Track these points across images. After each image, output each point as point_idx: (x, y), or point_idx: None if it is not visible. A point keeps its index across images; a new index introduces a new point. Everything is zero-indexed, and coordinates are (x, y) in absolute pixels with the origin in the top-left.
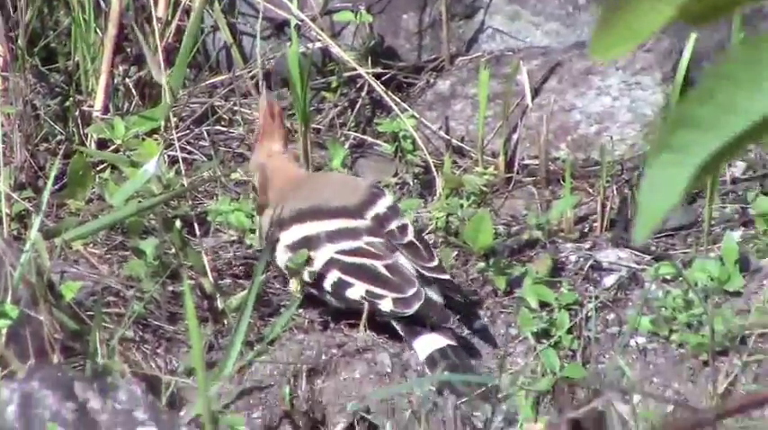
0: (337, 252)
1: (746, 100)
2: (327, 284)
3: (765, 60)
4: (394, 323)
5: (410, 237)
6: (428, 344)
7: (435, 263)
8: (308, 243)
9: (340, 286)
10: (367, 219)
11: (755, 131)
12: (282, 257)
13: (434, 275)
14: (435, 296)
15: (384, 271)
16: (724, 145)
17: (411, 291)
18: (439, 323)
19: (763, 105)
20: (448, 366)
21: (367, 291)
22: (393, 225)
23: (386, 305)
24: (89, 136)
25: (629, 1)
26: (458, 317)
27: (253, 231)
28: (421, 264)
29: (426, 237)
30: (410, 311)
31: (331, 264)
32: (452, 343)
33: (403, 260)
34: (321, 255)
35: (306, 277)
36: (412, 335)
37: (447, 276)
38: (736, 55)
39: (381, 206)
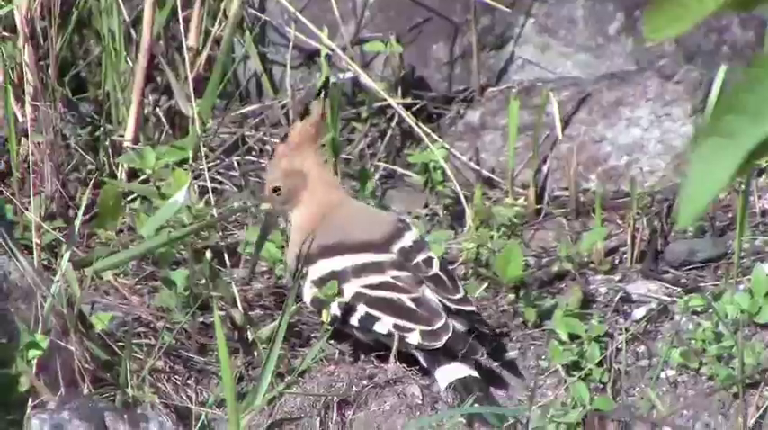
0: (363, 286)
1: None
2: (354, 319)
3: None
4: (416, 352)
5: (435, 269)
6: (450, 373)
7: (461, 295)
8: (335, 278)
9: (367, 320)
10: (393, 253)
11: None
12: (309, 293)
13: (460, 307)
14: (461, 328)
15: (411, 304)
16: None
17: (439, 324)
18: (467, 355)
19: None
20: (477, 398)
21: (395, 325)
22: (419, 258)
23: (414, 338)
24: (119, 166)
25: None
26: (485, 349)
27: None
28: (446, 296)
29: (456, 268)
30: (438, 344)
31: (357, 298)
32: (475, 374)
33: (429, 293)
34: (347, 290)
35: (335, 309)
36: (434, 364)
37: (473, 308)
38: None
39: (407, 239)
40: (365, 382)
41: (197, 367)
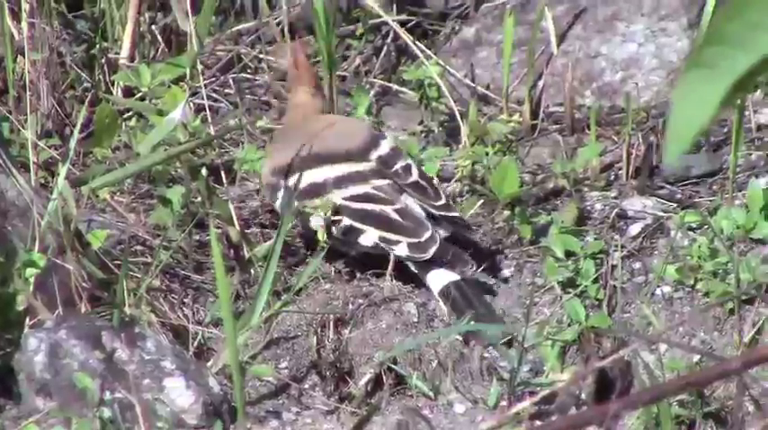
0: (345, 198)
1: None
2: (338, 231)
3: None
4: (406, 261)
5: (415, 176)
6: (441, 277)
7: (443, 201)
8: (315, 189)
9: (351, 233)
10: (371, 161)
11: None
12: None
13: (443, 213)
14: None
15: (395, 215)
16: (755, 62)
17: (426, 235)
18: (454, 266)
19: None
20: (474, 315)
21: (380, 238)
22: (398, 165)
23: (401, 250)
24: (115, 83)
25: None
26: (469, 253)
27: None
28: (429, 202)
29: (452, 185)
30: (426, 256)
31: (340, 210)
32: (465, 277)
33: (411, 202)
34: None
35: (317, 222)
36: (424, 270)
37: (456, 213)
38: None
39: (385, 147)
40: (361, 301)
41: (193, 286)
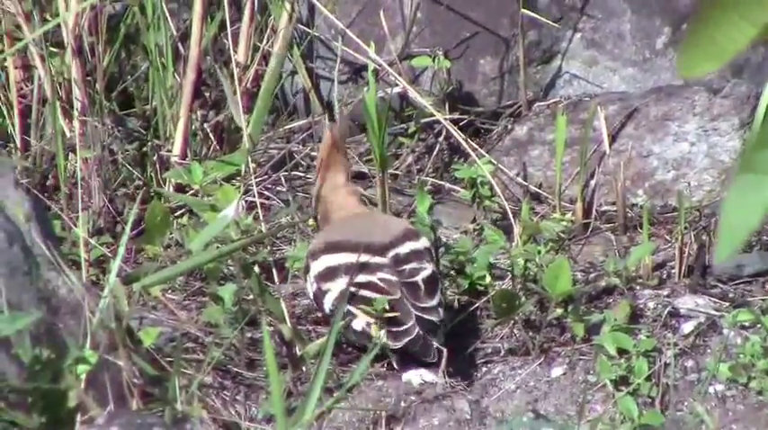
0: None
1: None
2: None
3: None
4: (390, 354)
5: (417, 278)
6: (416, 376)
7: (431, 304)
8: (330, 273)
9: (346, 317)
10: (386, 258)
11: None
12: (311, 288)
13: (420, 314)
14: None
15: (386, 305)
16: None
17: (404, 327)
18: (420, 356)
19: None
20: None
21: (368, 323)
22: (408, 266)
23: (382, 337)
24: (167, 181)
25: (714, 20)
26: (440, 353)
27: None
28: (413, 302)
29: (504, 283)
30: (399, 344)
31: (344, 295)
32: (440, 381)
33: (404, 299)
34: (337, 286)
35: (329, 304)
36: (403, 368)
37: (433, 318)
38: None
39: (406, 248)
40: (413, 397)
41: (245, 382)
